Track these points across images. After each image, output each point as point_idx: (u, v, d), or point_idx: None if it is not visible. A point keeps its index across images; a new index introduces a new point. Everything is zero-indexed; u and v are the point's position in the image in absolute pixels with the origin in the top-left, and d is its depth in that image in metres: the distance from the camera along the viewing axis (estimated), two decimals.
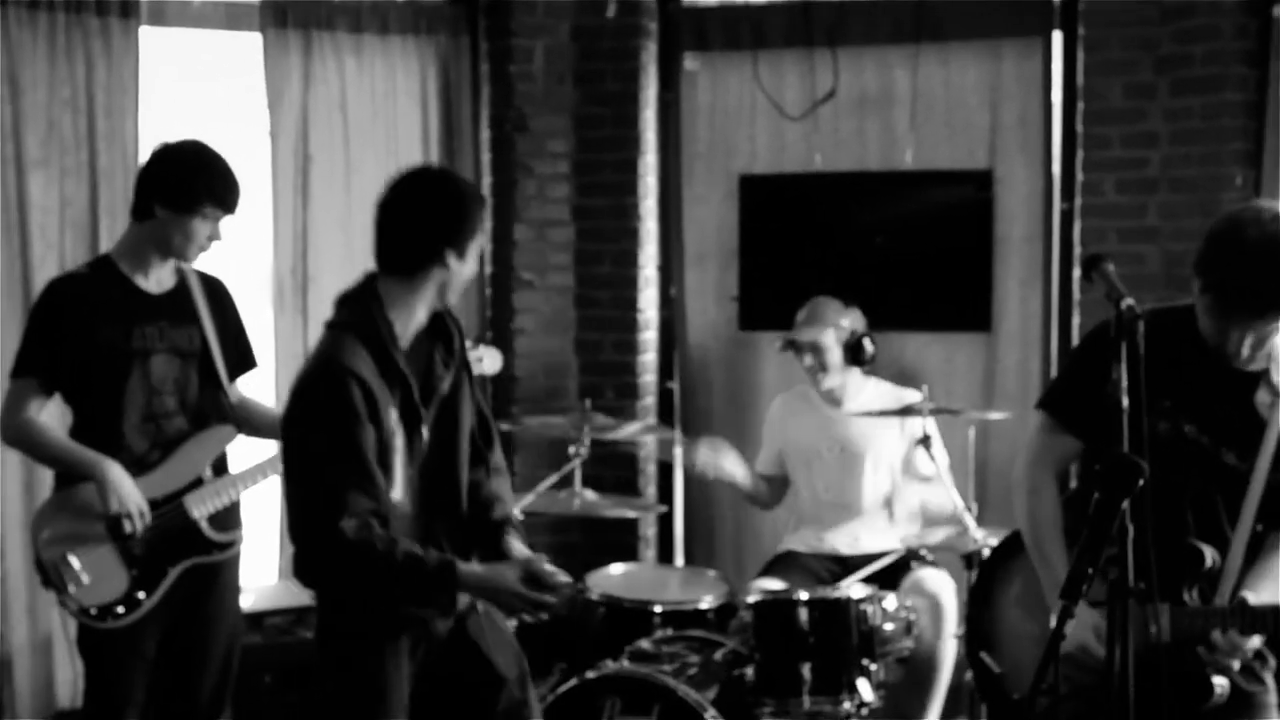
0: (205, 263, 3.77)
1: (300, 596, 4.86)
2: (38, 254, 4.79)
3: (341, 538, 2.80)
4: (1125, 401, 2.46)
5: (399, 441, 2.94)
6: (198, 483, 3.66)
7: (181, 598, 3.66)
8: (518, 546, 3.11)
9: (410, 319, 2.99)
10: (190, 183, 3.56)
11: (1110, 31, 5.03)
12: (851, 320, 4.70)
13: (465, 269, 3.00)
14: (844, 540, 4.68)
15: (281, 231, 5.22)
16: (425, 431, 3.01)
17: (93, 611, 3.55)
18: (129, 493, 3.52)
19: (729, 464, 4.77)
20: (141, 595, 3.58)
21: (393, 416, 2.93)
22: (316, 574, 2.97)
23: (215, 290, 3.82)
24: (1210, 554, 2.80)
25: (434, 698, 3.09)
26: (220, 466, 3.72)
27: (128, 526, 3.53)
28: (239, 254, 5.26)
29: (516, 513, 3.29)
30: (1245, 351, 2.82)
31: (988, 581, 3.31)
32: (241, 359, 3.87)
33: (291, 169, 5.23)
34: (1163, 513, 2.78)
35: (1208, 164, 4.89)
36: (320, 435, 2.86)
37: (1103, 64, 5.06)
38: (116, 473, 3.52)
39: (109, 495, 3.50)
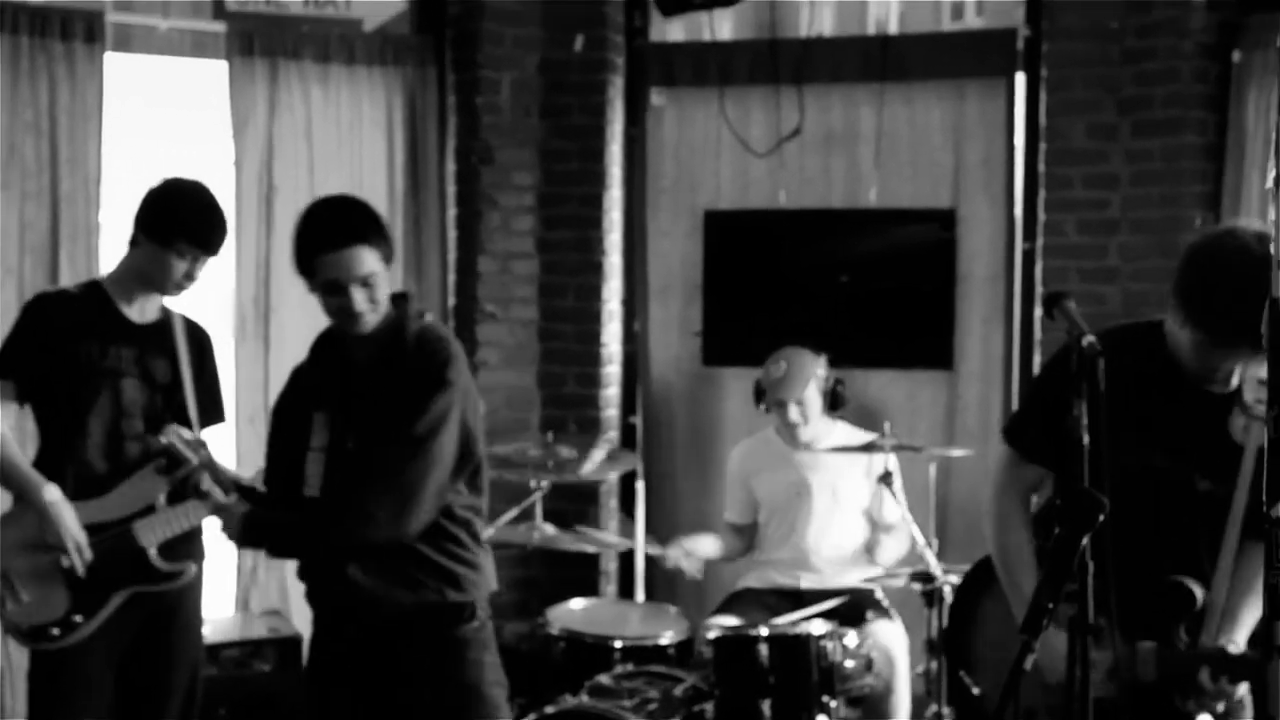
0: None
1: (257, 628, 4.83)
2: None
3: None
4: (1086, 439, 2.46)
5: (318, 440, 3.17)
6: (150, 510, 3.61)
7: (138, 629, 3.61)
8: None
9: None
10: (171, 217, 3.55)
11: (1073, 72, 5.08)
12: (823, 367, 4.72)
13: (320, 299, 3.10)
14: (807, 578, 4.66)
15: (244, 260, 5.19)
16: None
17: (25, 630, 3.51)
18: (67, 526, 3.47)
19: (704, 550, 4.78)
20: (79, 619, 3.51)
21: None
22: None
23: (198, 336, 3.80)
24: (1200, 593, 2.78)
25: None
26: (176, 496, 3.64)
27: (64, 561, 3.48)
28: (200, 282, 5.24)
29: None
30: (1234, 381, 2.78)
31: (968, 601, 3.28)
32: (211, 409, 3.83)
33: (255, 198, 5.20)
34: (1140, 548, 2.77)
35: (1168, 205, 4.93)
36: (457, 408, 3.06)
37: (1065, 105, 5.11)
38: (55, 503, 3.47)
39: (46, 527, 3.46)
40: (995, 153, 5.34)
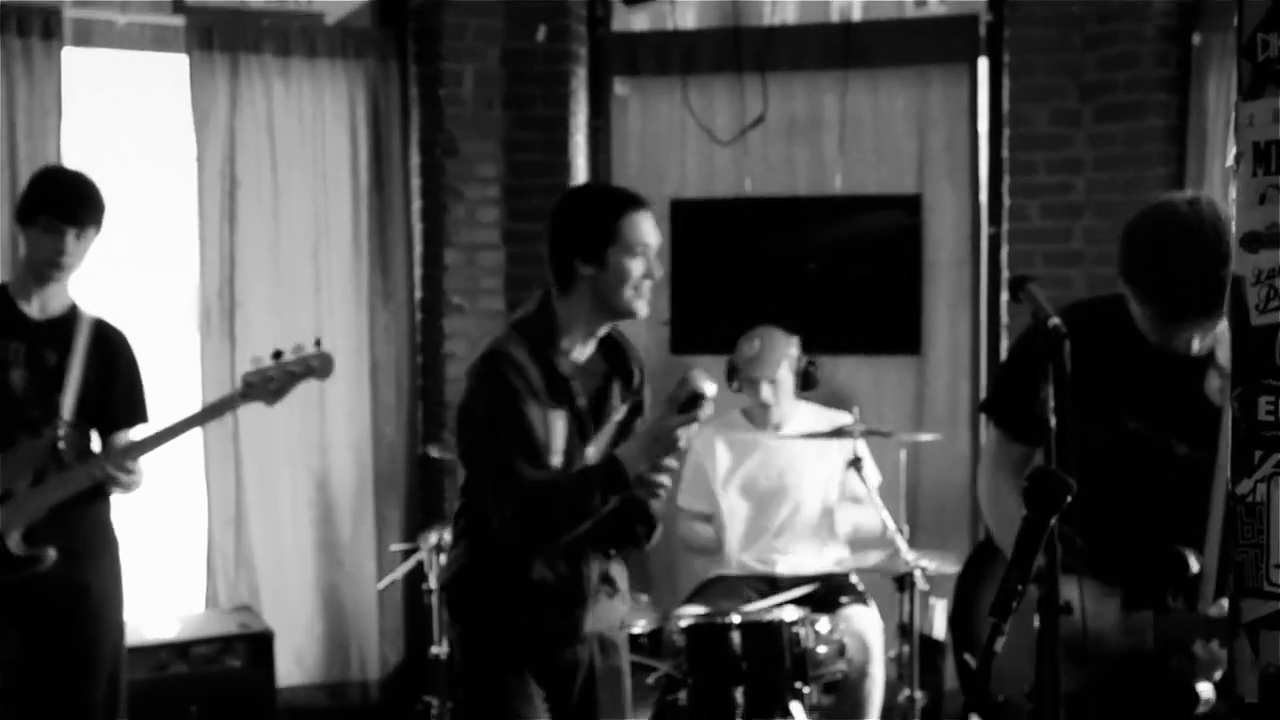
0: (128, 284, 3.72)
1: (227, 625, 4.81)
2: None
3: (517, 487, 2.90)
4: (1053, 421, 2.46)
5: (559, 443, 2.97)
6: (8, 495, 3.54)
7: (42, 622, 3.58)
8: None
9: (575, 329, 3.03)
10: (28, 195, 3.63)
11: (1035, 58, 5.10)
12: (796, 348, 4.72)
13: (610, 275, 2.96)
14: (779, 562, 4.66)
15: (208, 255, 5.16)
16: (591, 449, 3.04)
17: None
18: None
19: None
20: None
21: (558, 423, 2.97)
22: (519, 529, 2.95)
23: (107, 337, 3.75)
24: (1194, 559, 2.79)
25: None
26: (41, 480, 3.56)
27: None
28: (164, 278, 5.23)
29: None
30: (1195, 347, 2.78)
31: (972, 581, 3.28)
32: (125, 411, 3.77)
33: (218, 192, 5.17)
34: (1128, 518, 2.79)
35: (1131, 189, 4.95)
36: (485, 410, 2.95)
37: (1028, 90, 5.13)
38: None
39: None
40: (959, 138, 5.36)
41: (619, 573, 3.17)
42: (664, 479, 2.96)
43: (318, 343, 3.65)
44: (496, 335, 3.07)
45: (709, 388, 2.95)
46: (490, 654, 3.05)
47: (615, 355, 3.15)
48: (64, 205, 3.57)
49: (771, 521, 4.68)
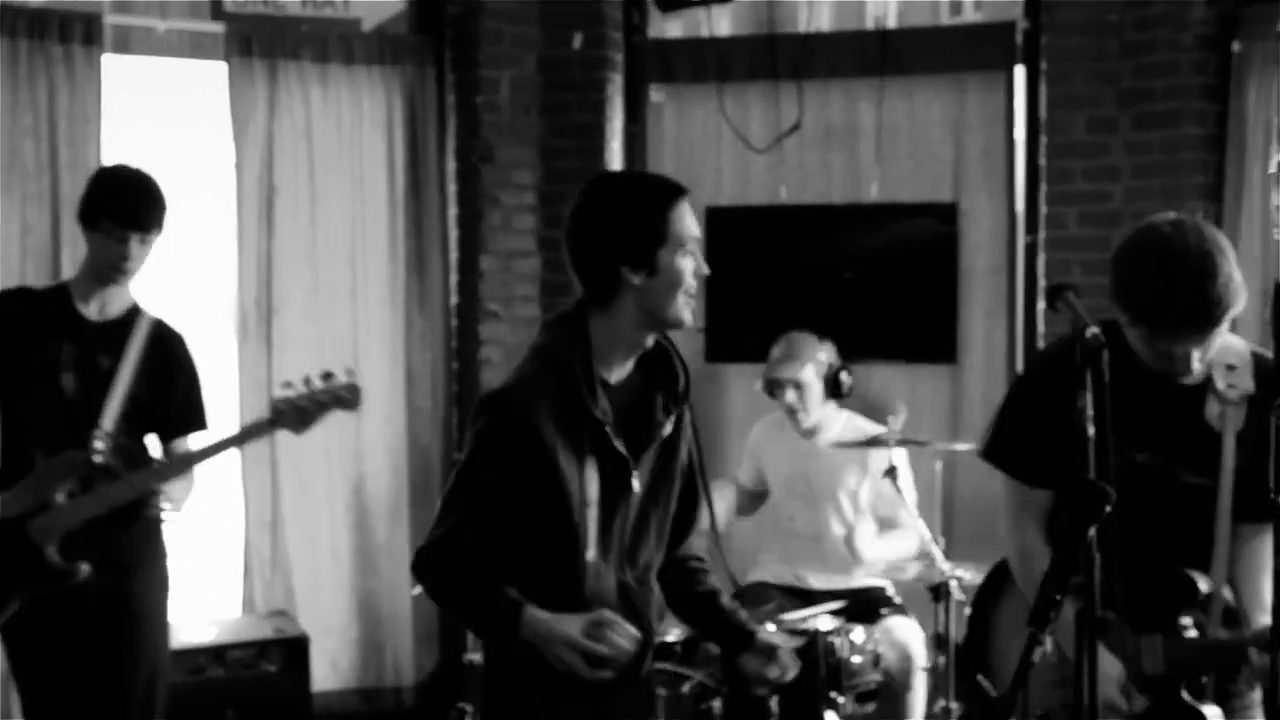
0: (166, 290, 3.75)
1: (263, 629, 4.83)
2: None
3: (421, 559, 2.69)
4: (1091, 430, 2.45)
5: (593, 493, 2.59)
6: (45, 507, 3.56)
7: (86, 629, 3.59)
8: (745, 619, 2.84)
9: (615, 350, 2.64)
10: (93, 200, 3.61)
11: (1072, 66, 5.08)
12: (827, 353, 4.70)
13: (662, 281, 2.59)
14: (814, 574, 4.65)
15: (245, 261, 5.19)
16: (636, 483, 2.65)
17: None
18: None
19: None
20: None
21: (588, 467, 2.59)
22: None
23: (165, 341, 3.75)
24: (1204, 582, 2.79)
25: None
26: (85, 490, 3.48)
27: None
28: (203, 284, 5.26)
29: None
30: (1196, 366, 2.78)
31: (985, 605, 3.28)
32: (183, 416, 3.79)
33: (256, 198, 5.20)
34: (1135, 545, 2.77)
35: (1169, 197, 4.91)
36: (470, 465, 2.64)
37: (1065, 98, 5.10)
38: None
39: None
40: (995, 146, 5.34)
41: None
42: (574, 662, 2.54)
43: (350, 371, 3.49)
44: (522, 365, 2.66)
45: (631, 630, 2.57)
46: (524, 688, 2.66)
47: (658, 365, 2.73)
48: (128, 210, 3.57)
49: (805, 528, 4.66)
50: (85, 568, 3.51)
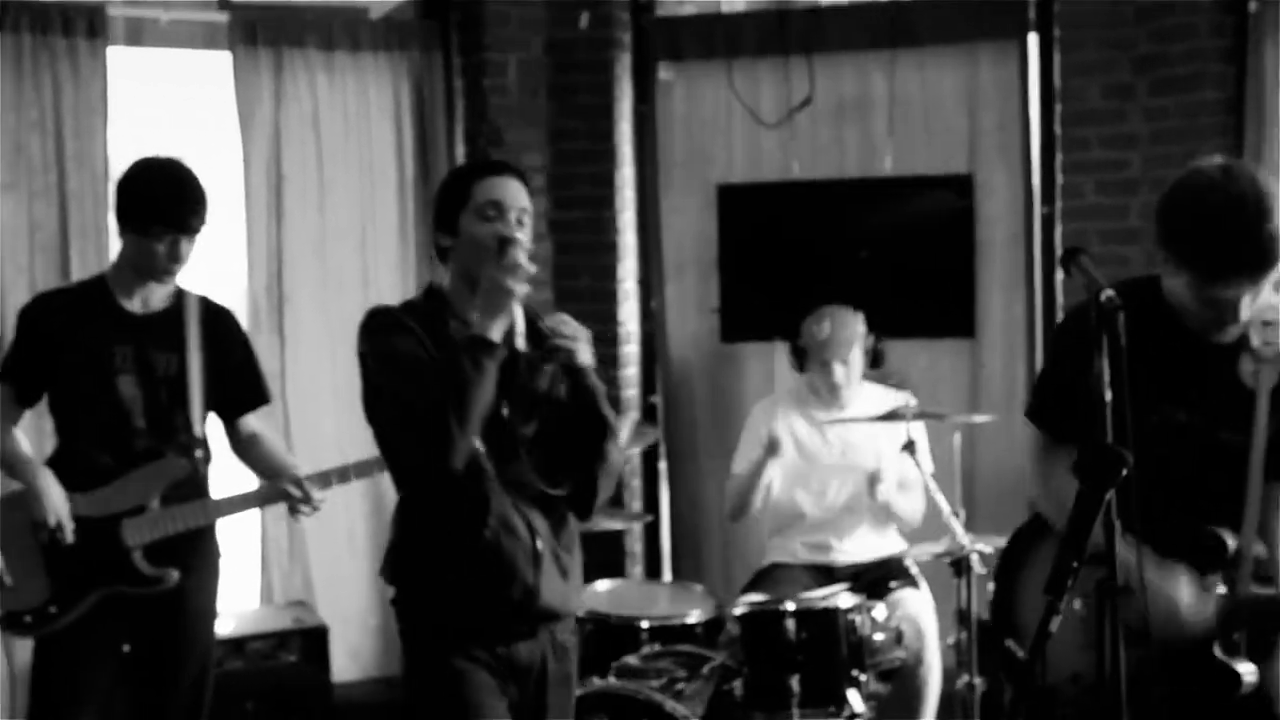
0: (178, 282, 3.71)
1: (282, 620, 4.80)
2: (8, 278, 4.72)
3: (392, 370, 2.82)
4: (1109, 395, 2.40)
5: None
6: (140, 510, 3.57)
7: (139, 623, 3.60)
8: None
9: (466, 309, 2.84)
10: (140, 201, 3.53)
11: (1086, 32, 5.00)
12: (863, 326, 4.64)
13: (463, 242, 2.84)
14: (838, 549, 4.59)
15: (255, 251, 5.16)
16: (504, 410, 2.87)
17: (1, 615, 3.53)
18: (52, 501, 3.48)
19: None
20: (54, 610, 3.52)
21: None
22: (401, 414, 2.81)
23: (217, 319, 3.74)
24: (1232, 539, 2.75)
25: None
26: (172, 498, 3.60)
27: (58, 537, 3.49)
28: (212, 274, 5.22)
29: None
30: (1243, 314, 2.72)
31: (1013, 567, 3.22)
32: (247, 392, 3.80)
33: (264, 188, 5.17)
34: (1172, 504, 2.75)
35: (1187, 163, 4.79)
36: (364, 348, 2.86)
37: (1080, 65, 5.03)
38: (45, 481, 3.50)
39: (32, 502, 3.50)
40: (1010, 117, 5.28)
41: (571, 558, 2.96)
42: (564, 341, 2.80)
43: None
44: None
45: (519, 233, 2.82)
46: (441, 641, 2.86)
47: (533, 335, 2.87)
48: (183, 216, 3.52)
49: (836, 501, 4.61)
50: (175, 575, 3.56)
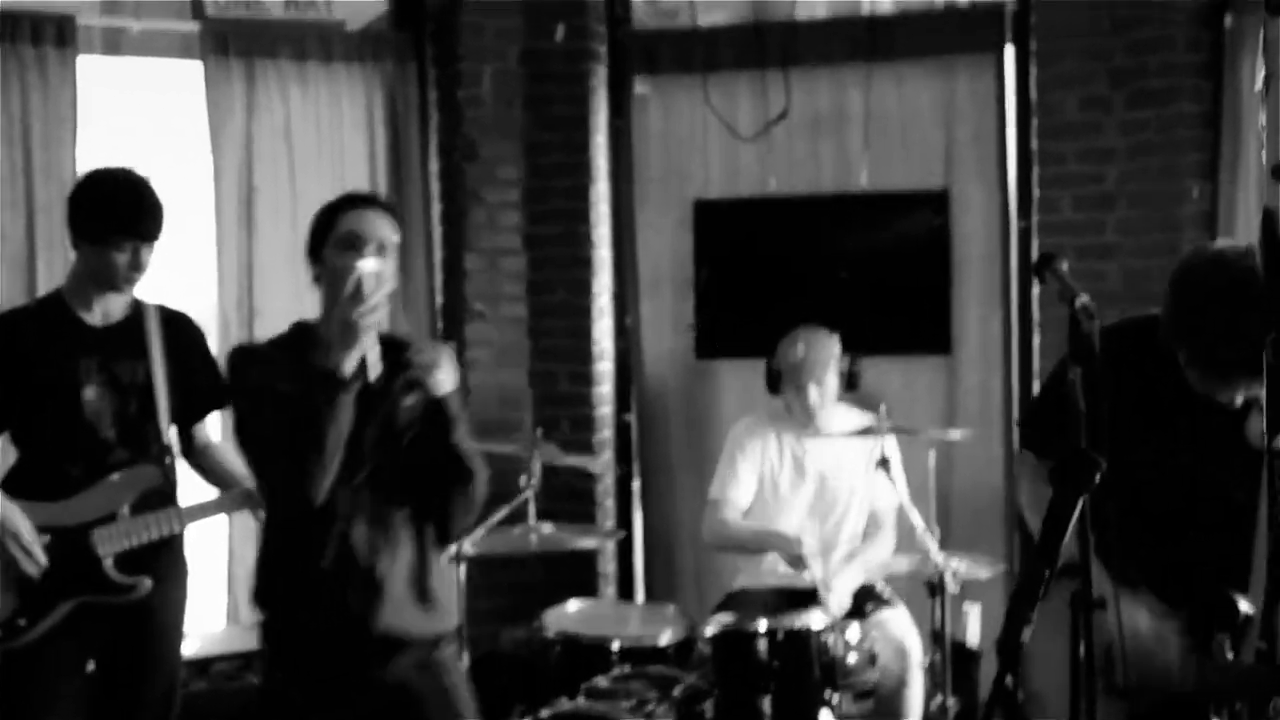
0: (146, 295, 3.69)
1: (248, 641, 4.73)
2: None
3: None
4: (1083, 402, 2.35)
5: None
6: (110, 518, 3.54)
7: (108, 638, 3.56)
8: None
9: (331, 334, 2.91)
10: (96, 213, 3.51)
11: (1063, 44, 4.98)
12: (838, 347, 4.58)
13: (326, 272, 2.97)
14: (807, 574, 4.52)
15: (226, 264, 5.10)
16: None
17: None
18: (17, 531, 3.41)
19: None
20: (22, 623, 3.46)
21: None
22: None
23: (176, 326, 3.71)
24: (1245, 604, 2.67)
25: None
26: (142, 506, 3.57)
27: (25, 566, 3.43)
28: (182, 287, 5.16)
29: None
30: (1239, 400, 2.67)
31: (1022, 606, 3.14)
32: (206, 397, 3.75)
33: (235, 200, 5.11)
34: (1176, 554, 2.71)
35: (1165, 177, 4.84)
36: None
37: (1057, 78, 5.01)
38: (6, 510, 3.43)
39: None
40: (987, 130, 5.25)
41: (438, 581, 3.05)
42: (418, 370, 2.89)
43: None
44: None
45: (368, 267, 2.86)
46: (281, 665, 3.03)
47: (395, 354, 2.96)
48: (142, 224, 3.50)
49: (813, 527, 4.54)
50: (148, 583, 3.52)
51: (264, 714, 3.11)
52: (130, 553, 3.55)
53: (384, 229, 2.98)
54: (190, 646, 4.57)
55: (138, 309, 3.65)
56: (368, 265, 2.87)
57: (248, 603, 3.02)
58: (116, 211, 3.49)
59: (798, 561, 4.36)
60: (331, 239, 2.97)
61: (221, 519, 4.78)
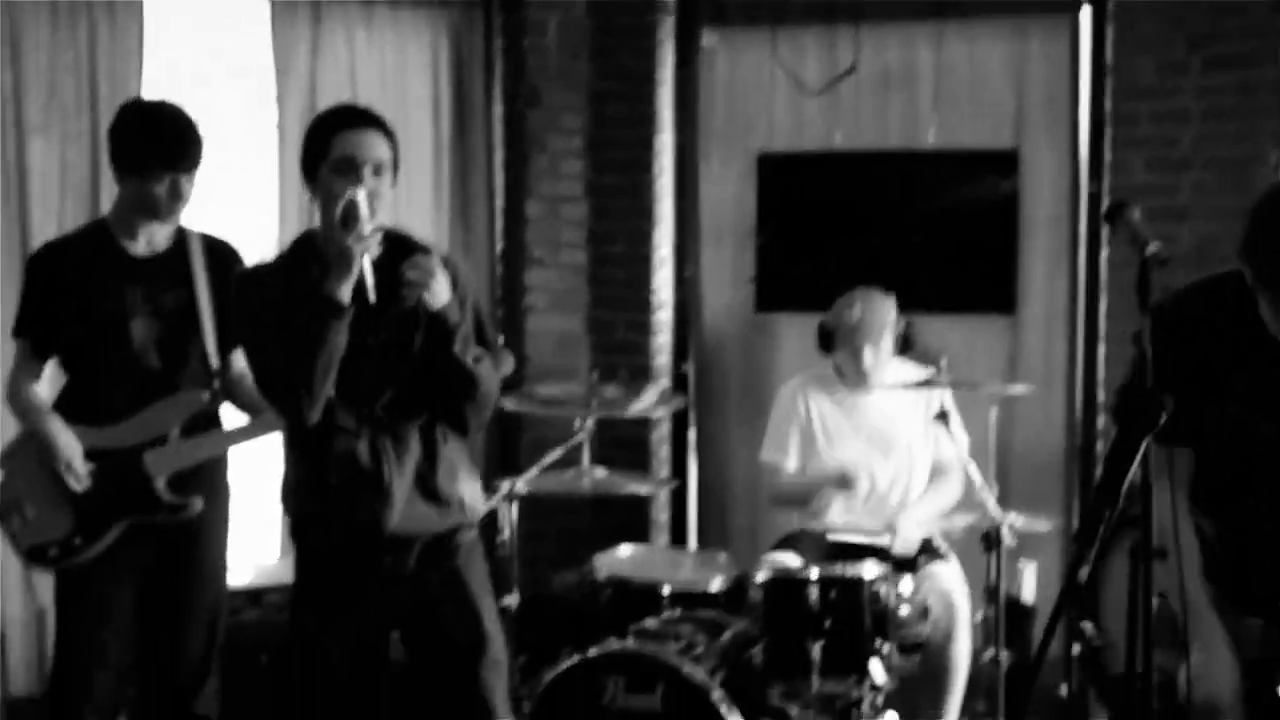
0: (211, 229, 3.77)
1: None
2: (37, 220, 4.68)
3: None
4: (1149, 350, 2.31)
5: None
6: (161, 441, 3.62)
7: (154, 560, 3.65)
8: None
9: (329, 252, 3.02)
10: (133, 145, 3.58)
11: (1141, 7, 4.88)
12: (894, 308, 4.53)
13: (319, 191, 3.04)
14: (867, 527, 4.49)
15: (287, 203, 5.10)
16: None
17: (25, 549, 3.61)
18: (60, 447, 3.56)
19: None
20: (78, 542, 3.59)
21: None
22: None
23: (219, 255, 3.75)
24: None
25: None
26: (190, 429, 3.66)
27: (70, 482, 3.56)
28: (246, 226, 5.18)
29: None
30: None
31: (1099, 548, 3.08)
32: None
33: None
34: (1248, 518, 2.63)
35: (1241, 142, 4.74)
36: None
37: (1133, 40, 4.91)
38: (54, 427, 3.57)
39: (42, 448, 3.57)
40: (1059, 91, 5.16)
41: (448, 479, 3.14)
42: (411, 286, 2.92)
43: None
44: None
45: (359, 194, 2.94)
46: (303, 552, 3.20)
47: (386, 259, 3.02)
48: (175, 153, 3.56)
49: (865, 488, 4.50)
50: (199, 503, 3.58)
51: (296, 617, 3.25)
52: (178, 474, 3.63)
53: (379, 149, 3.02)
54: (244, 577, 4.64)
55: (182, 237, 3.71)
56: (361, 192, 2.93)
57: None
58: (153, 143, 3.55)
59: (845, 482, 4.33)
60: (327, 161, 3.00)
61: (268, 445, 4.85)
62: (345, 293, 2.91)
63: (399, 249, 3.04)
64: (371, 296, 2.94)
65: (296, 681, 3.22)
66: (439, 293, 2.95)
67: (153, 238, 3.67)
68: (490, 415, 3.20)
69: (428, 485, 3.11)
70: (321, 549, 3.16)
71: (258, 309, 3.03)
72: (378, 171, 2.99)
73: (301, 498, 3.15)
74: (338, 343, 2.92)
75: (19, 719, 4.61)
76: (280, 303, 2.98)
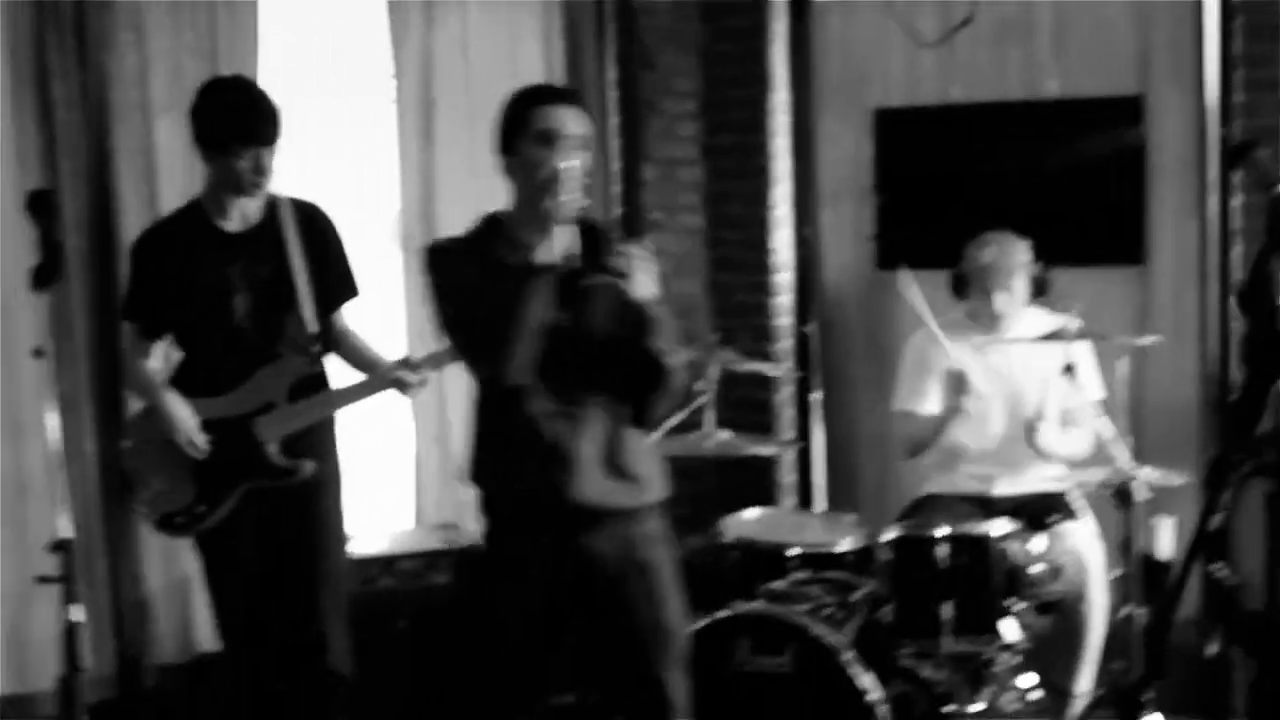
0: (327, 201, 3.87)
1: (432, 541, 4.82)
2: (167, 200, 4.75)
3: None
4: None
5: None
6: (270, 407, 3.75)
7: (274, 523, 3.78)
8: None
9: (523, 221, 3.12)
10: (213, 123, 3.69)
11: None
12: (1027, 252, 4.47)
13: (517, 163, 3.08)
14: (1000, 481, 4.43)
15: (408, 174, 5.15)
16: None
17: (155, 518, 3.80)
18: (179, 419, 3.71)
19: None
20: (202, 509, 3.75)
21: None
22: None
23: (309, 218, 3.87)
24: None
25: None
26: (296, 394, 3.78)
27: (190, 452, 3.71)
28: (365, 199, 5.25)
29: None
30: None
31: (1216, 486, 3.01)
32: (340, 287, 3.93)
33: (415, 112, 5.15)
34: None
35: None
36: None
37: None
38: (171, 402, 3.73)
39: (162, 421, 3.73)
40: (1184, 34, 5.01)
41: (633, 458, 3.14)
42: (617, 267, 2.95)
43: None
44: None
45: (563, 164, 2.99)
46: (493, 526, 3.20)
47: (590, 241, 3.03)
48: (254, 129, 3.66)
49: (998, 432, 4.44)
50: (310, 466, 3.70)
51: (477, 576, 3.44)
52: (290, 437, 3.75)
53: (579, 124, 3.07)
54: (378, 545, 4.72)
55: (272, 207, 3.81)
56: (569, 162, 2.98)
57: (463, 477, 3.25)
58: (232, 119, 3.65)
59: (962, 385, 4.30)
60: (528, 134, 3.04)
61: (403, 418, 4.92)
62: (543, 255, 3.01)
63: (591, 233, 3.05)
64: (568, 263, 3.00)
65: (458, 648, 3.36)
66: (644, 282, 2.98)
67: (245, 212, 3.78)
68: (670, 414, 3.22)
69: (614, 461, 3.12)
70: (504, 511, 3.19)
71: (450, 276, 3.09)
72: (577, 146, 3.04)
73: (487, 459, 3.18)
74: (537, 303, 2.95)
75: (169, 684, 4.74)
76: (474, 273, 3.05)
